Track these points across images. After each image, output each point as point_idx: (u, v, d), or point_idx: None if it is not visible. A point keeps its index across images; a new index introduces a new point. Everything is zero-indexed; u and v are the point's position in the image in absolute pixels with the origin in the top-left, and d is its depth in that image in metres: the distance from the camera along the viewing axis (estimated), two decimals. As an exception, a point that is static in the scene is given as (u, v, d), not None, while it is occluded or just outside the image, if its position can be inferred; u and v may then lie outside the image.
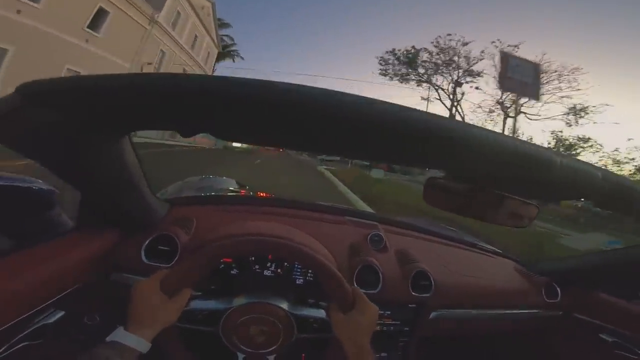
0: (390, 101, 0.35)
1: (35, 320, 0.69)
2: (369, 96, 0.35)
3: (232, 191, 1.96)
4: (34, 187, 0.87)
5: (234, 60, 38.11)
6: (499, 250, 1.53)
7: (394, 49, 27.47)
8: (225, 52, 35.91)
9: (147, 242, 0.89)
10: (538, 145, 0.41)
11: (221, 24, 32.44)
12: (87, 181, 0.68)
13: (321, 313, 0.81)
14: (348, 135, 0.39)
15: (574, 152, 22.00)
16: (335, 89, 0.34)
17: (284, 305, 0.78)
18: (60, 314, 0.74)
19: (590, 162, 0.51)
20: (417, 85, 27.15)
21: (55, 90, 0.39)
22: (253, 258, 0.97)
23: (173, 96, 0.36)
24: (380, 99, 0.35)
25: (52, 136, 0.47)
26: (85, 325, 0.86)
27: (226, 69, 37.59)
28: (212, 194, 1.71)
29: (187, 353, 0.77)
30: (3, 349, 0.63)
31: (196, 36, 24.95)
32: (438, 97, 26.73)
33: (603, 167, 0.50)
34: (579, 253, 1.41)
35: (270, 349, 0.76)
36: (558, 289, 1.28)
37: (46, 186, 0.90)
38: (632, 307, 1.19)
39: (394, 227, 1.38)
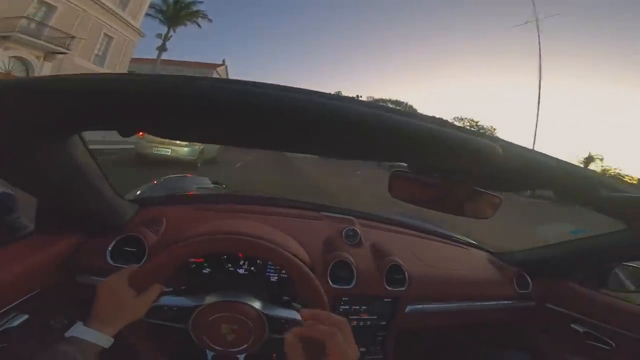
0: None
1: None
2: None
3: (207, 190, 1.93)
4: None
5: (199, 26, 26.98)
6: (473, 242, 1.56)
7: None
8: (184, 13, 25.37)
9: (112, 244, 0.87)
10: (484, 135, 0.42)
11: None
12: (39, 185, 0.65)
13: (294, 314, 0.79)
14: (285, 130, 0.39)
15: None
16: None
17: (257, 305, 0.77)
18: (24, 317, 0.72)
19: (544, 153, 0.52)
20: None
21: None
22: (225, 257, 0.96)
23: (108, 97, 0.35)
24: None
25: None
26: (52, 328, 0.83)
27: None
28: (185, 193, 1.67)
29: (155, 348, 0.76)
30: None
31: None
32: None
33: (558, 158, 0.52)
34: (547, 243, 1.44)
35: (241, 348, 0.75)
36: (529, 280, 1.30)
37: (4, 190, 0.87)
38: (600, 297, 1.22)
39: (370, 221, 1.39)
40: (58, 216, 0.82)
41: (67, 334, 0.57)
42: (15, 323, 0.70)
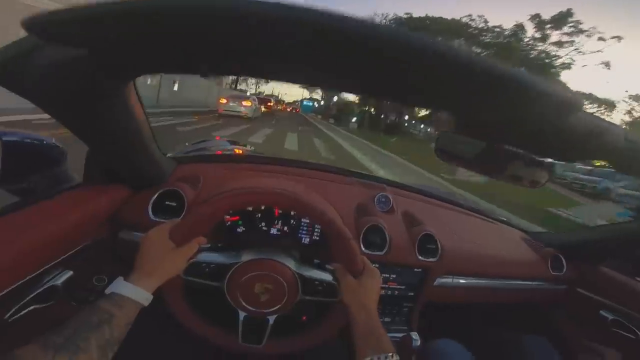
0: None
1: (43, 281, 0.68)
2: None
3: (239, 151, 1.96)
4: (40, 143, 0.87)
5: None
6: (505, 219, 1.51)
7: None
8: None
9: (154, 198, 0.89)
10: (565, 88, 0.37)
11: None
12: (95, 132, 0.65)
13: (327, 276, 0.79)
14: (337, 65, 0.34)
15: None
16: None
17: (291, 264, 0.77)
18: (69, 274, 0.73)
19: (613, 122, 0.47)
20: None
21: (64, 21, 0.34)
22: (259, 215, 0.98)
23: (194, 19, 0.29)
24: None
25: (60, 80, 0.45)
26: (94, 287, 0.85)
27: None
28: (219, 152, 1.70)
29: (189, 308, 0.77)
30: (12, 311, 0.62)
31: None
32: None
33: (625, 128, 0.47)
34: (587, 225, 1.38)
35: (273, 309, 0.76)
36: (564, 262, 1.26)
37: (52, 142, 0.90)
38: (634, 285, 1.17)
39: (401, 189, 1.36)
40: (106, 169, 0.83)
41: (107, 290, 0.58)
42: (61, 280, 0.71)
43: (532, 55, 24.62)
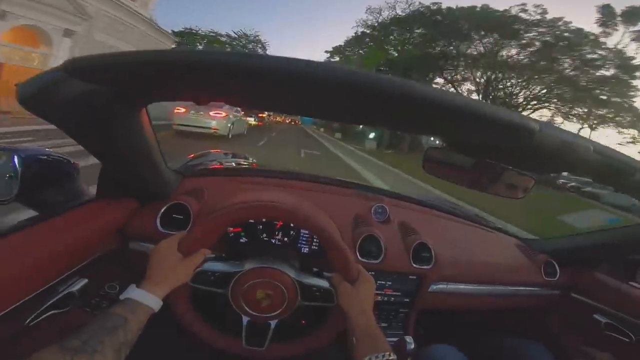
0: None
1: (60, 289, 0.74)
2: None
3: (240, 164, 2.02)
4: (54, 159, 0.93)
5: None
6: (500, 227, 1.56)
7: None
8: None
9: (162, 211, 0.95)
10: (521, 115, 0.43)
11: None
12: (110, 151, 0.72)
13: (325, 283, 0.84)
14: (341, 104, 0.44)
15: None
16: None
17: (290, 272, 0.82)
18: (84, 282, 0.79)
19: (582, 135, 0.53)
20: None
21: (97, 66, 0.44)
22: (261, 227, 1.03)
23: (193, 70, 0.40)
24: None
25: (83, 107, 0.52)
26: (106, 294, 0.91)
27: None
28: (220, 166, 1.76)
29: (195, 313, 0.82)
30: (32, 317, 0.68)
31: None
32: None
33: (595, 141, 0.52)
34: (579, 231, 1.41)
35: (274, 314, 0.81)
36: (557, 268, 1.29)
37: (66, 158, 0.96)
38: (628, 289, 1.20)
39: (399, 200, 1.41)
40: (118, 184, 0.90)
41: (121, 296, 0.63)
42: (77, 287, 0.77)
43: (598, 55, 20.51)
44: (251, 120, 17.68)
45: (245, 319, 0.81)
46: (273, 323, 0.83)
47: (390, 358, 0.64)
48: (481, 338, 1.36)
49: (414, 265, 1.09)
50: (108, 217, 0.87)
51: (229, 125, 10.74)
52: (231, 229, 1.01)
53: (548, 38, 21.27)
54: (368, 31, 27.90)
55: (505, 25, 21.66)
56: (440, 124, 0.47)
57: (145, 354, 0.63)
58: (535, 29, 21.59)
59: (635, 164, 0.53)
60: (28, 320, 0.67)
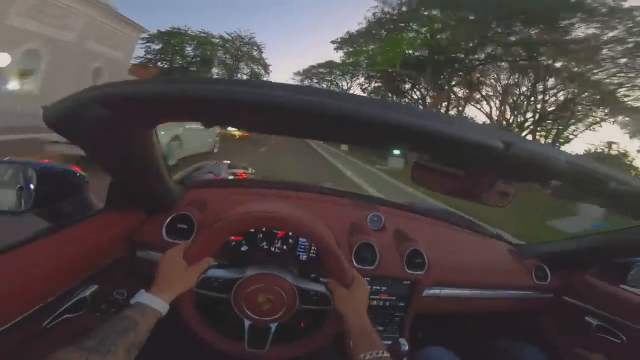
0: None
1: (73, 294, 0.79)
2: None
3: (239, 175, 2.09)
4: (66, 171, 0.98)
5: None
6: (493, 233, 1.60)
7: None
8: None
9: (167, 221, 1.00)
10: (487, 133, 0.48)
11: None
12: (121, 166, 0.78)
13: (322, 287, 0.89)
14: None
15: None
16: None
17: (289, 278, 0.86)
18: (95, 287, 0.84)
19: (554, 147, 0.57)
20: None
21: (128, 99, 0.51)
22: (261, 235, 1.08)
23: (200, 99, 0.46)
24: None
25: (102, 129, 0.58)
26: (115, 299, 0.96)
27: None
28: (222, 178, 1.82)
29: (199, 317, 0.86)
30: (48, 320, 0.73)
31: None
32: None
33: (567, 152, 0.56)
34: (568, 236, 1.46)
35: (274, 317, 0.85)
36: (548, 272, 1.32)
37: (75, 170, 1.01)
38: (617, 291, 1.22)
39: (394, 208, 1.47)
40: (126, 196, 0.95)
41: (132, 301, 0.67)
42: (89, 293, 0.82)
43: None
44: (233, 131, 12.93)
45: (247, 323, 0.86)
46: (273, 326, 0.87)
47: (384, 355, 0.69)
48: (475, 341, 1.40)
49: (408, 270, 1.14)
50: (117, 227, 0.93)
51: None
52: (233, 237, 1.06)
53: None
54: (391, 12, 22.69)
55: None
56: (417, 143, 0.53)
57: (152, 355, 0.68)
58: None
59: (608, 173, 0.56)
60: (45, 323, 0.72)
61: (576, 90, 18.29)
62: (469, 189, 0.79)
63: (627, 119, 18.47)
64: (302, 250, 1.10)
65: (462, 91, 21.92)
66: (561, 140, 20.09)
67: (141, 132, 0.65)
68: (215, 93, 0.44)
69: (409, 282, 1.16)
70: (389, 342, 0.99)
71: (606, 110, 18.44)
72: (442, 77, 21.88)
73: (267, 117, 0.51)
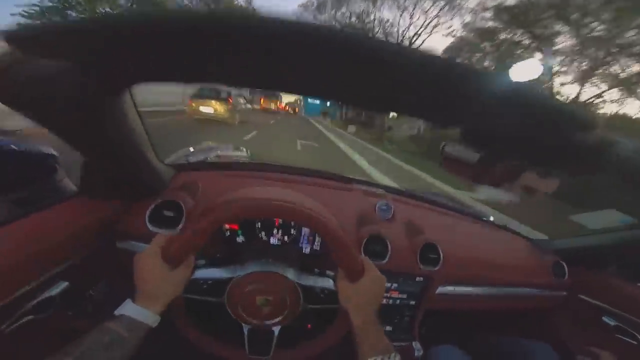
0: None
1: (39, 292, 0.67)
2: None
3: (236, 157, 1.94)
4: (34, 151, 0.85)
5: None
6: (508, 226, 1.51)
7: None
8: None
9: (151, 208, 0.87)
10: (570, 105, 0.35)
11: None
12: (89, 142, 0.63)
13: (329, 283, 0.78)
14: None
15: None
16: None
17: (291, 275, 0.76)
18: (64, 285, 0.72)
19: None
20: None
21: (45, 35, 0.35)
22: (259, 225, 0.96)
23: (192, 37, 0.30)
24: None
25: (49, 90, 0.44)
26: (92, 297, 0.84)
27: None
28: (218, 159, 1.68)
29: (192, 323, 0.75)
30: (7, 323, 0.61)
31: None
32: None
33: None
34: (590, 231, 1.37)
35: (276, 320, 0.74)
36: (566, 268, 1.26)
37: (47, 150, 0.89)
38: (637, 291, 1.17)
39: (401, 196, 1.35)
40: (103, 179, 0.81)
41: (116, 312, 0.58)
42: (57, 291, 0.70)
43: None
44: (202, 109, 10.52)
45: (246, 328, 0.76)
46: (277, 329, 0.77)
47: (396, 359, 0.61)
48: (486, 338, 1.33)
49: (422, 266, 1.04)
50: (92, 214, 0.80)
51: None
52: (227, 226, 0.94)
53: None
54: None
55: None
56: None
57: None
58: None
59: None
60: (4, 326, 0.61)
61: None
62: (505, 177, 0.67)
63: None
64: (305, 241, 0.99)
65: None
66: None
67: (106, 98, 0.51)
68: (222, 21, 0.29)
69: (421, 278, 1.06)
70: (402, 345, 0.91)
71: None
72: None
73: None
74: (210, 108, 10.23)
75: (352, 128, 22.16)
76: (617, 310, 1.16)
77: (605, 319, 1.19)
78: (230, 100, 10.66)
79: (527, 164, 0.64)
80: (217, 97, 10.37)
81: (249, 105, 14.63)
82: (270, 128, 14.32)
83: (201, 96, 10.28)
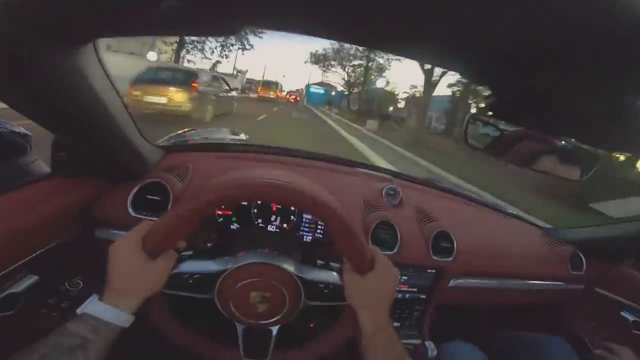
0: None
1: (2, 287, 0.59)
2: None
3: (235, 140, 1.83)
4: (3, 129, 0.76)
5: None
6: (522, 215, 1.42)
7: None
8: None
9: (134, 191, 0.78)
10: None
11: None
12: (50, 114, 0.53)
13: (333, 276, 0.68)
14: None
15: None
16: None
17: (290, 267, 0.65)
18: (33, 279, 0.64)
19: None
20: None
21: None
22: (255, 210, 0.87)
23: None
24: None
25: None
26: (66, 292, 0.75)
27: None
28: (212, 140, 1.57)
29: (178, 323, 0.66)
30: None
31: None
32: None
33: None
34: (611, 221, 1.29)
35: (273, 320, 0.65)
36: (584, 260, 1.19)
37: (19, 129, 0.79)
38: None
39: (408, 181, 1.25)
40: (77, 158, 0.72)
41: (79, 310, 0.50)
42: (22, 286, 0.62)
43: None
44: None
45: (240, 328, 0.66)
46: (275, 329, 0.67)
47: None
48: (499, 333, 1.26)
49: (434, 257, 0.95)
50: (66, 197, 0.70)
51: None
52: (220, 211, 0.85)
53: None
54: None
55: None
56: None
57: None
58: None
59: None
60: None
61: None
62: (535, 154, 0.58)
63: None
64: (306, 229, 0.90)
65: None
66: None
67: (60, 54, 0.42)
68: None
69: (433, 270, 0.98)
70: (409, 342, 0.83)
71: None
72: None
73: None
74: (161, 97, 6.90)
75: (372, 124, 16.64)
76: (636, 305, 1.11)
77: (624, 314, 1.13)
78: (195, 86, 7.26)
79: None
80: (173, 81, 7.18)
81: (233, 93, 11.01)
82: (262, 125, 10.50)
83: (147, 80, 7.05)
